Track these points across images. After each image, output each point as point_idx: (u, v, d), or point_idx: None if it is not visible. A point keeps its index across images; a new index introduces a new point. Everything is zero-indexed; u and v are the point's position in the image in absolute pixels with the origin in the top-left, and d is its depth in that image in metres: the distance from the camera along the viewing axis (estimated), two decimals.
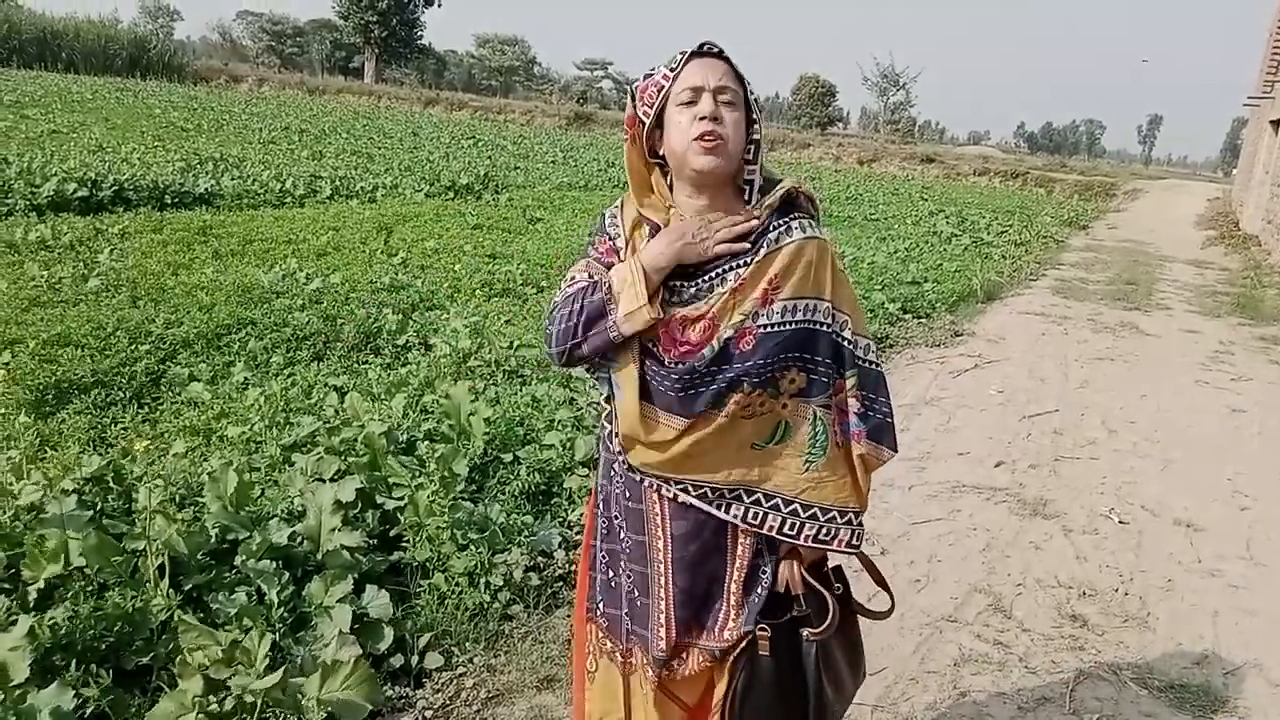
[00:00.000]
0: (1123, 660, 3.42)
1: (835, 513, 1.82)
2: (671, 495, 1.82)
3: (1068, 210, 25.46)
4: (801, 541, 1.82)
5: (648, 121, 1.78)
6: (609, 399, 1.84)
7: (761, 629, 1.85)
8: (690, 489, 1.80)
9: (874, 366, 1.84)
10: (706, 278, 1.75)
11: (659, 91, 1.75)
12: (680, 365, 1.73)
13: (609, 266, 1.81)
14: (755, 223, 1.76)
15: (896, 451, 1.88)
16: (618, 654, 2.00)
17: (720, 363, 1.72)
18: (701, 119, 1.70)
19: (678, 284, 1.76)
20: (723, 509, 1.81)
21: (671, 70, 1.75)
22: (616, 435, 1.82)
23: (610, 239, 1.86)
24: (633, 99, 1.81)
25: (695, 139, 1.71)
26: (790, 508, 1.80)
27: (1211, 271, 15.15)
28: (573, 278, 1.83)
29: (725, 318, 1.73)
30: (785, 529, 1.81)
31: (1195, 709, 3.15)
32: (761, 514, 1.81)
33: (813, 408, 1.80)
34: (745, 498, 1.81)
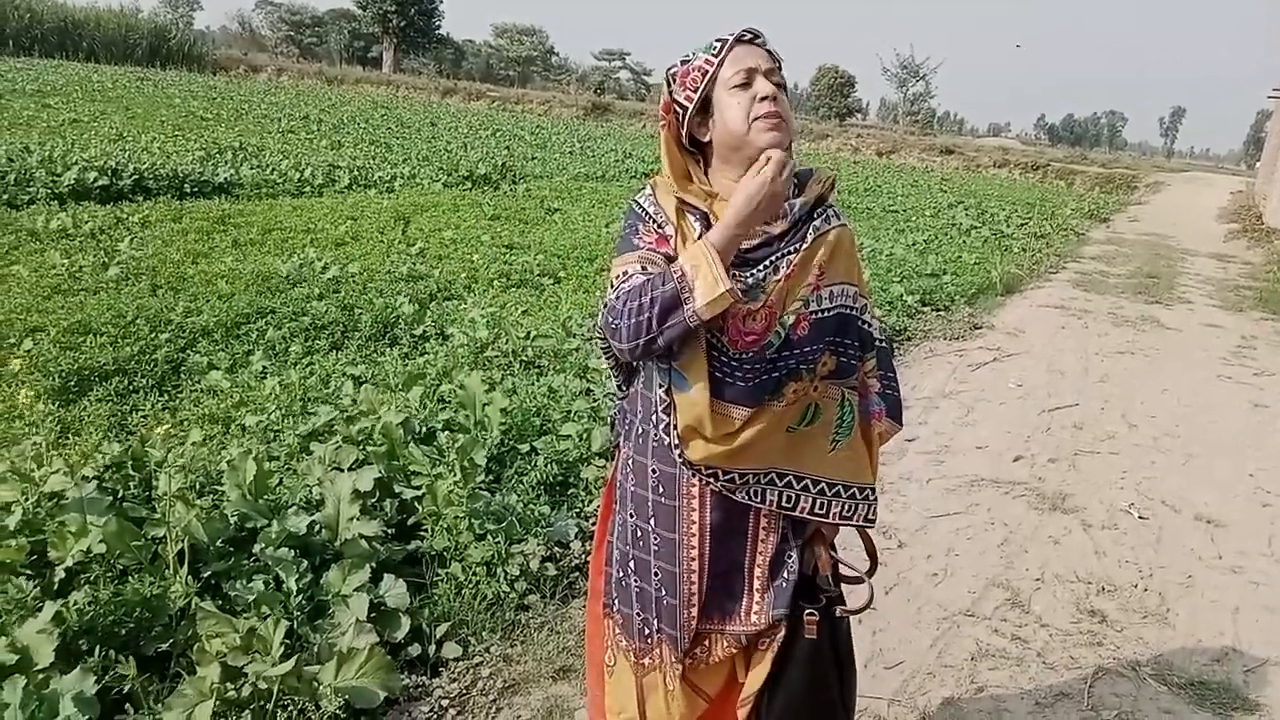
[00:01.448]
0: (1142, 657, 3.39)
1: (855, 489, 1.87)
2: (718, 489, 1.82)
3: (1088, 203, 25.28)
4: (830, 520, 1.86)
5: (690, 107, 1.76)
6: (669, 391, 1.79)
7: (810, 614, 1.87)
8: (736, 478, 1.80)
9: (884, 344, 1.93)
10: (761, 268, 1.75)
11: (703, 76, 1.73)
12: (749, 354, 1.73)
13: (666, 257, 1.77)
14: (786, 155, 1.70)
15: (902, 425, 1.98)
16: (631, 653, 2.00)
17: (781, 350, 1.75)
18: (763, 99, 1.70)
19: (734, 274, 1.72)
20: (760, 497, 1.82)
21: (714, 56, 1.73)
22: (675, 428, 1.78)
23: (658, 226, 1.81)
24: (669, 84, 1.79)
25: (759, 118, 1.70)
26: (818, 488, 1.84)
27: (1234, 265, 15.01)
28: (626, 273, 1.76)
29: (782, 305, 1.74)
30: (816, 509, 1.84)
31: (1215, 706, 3.13)
32: (794, 496, 1.83)
33: (842, 390, 1.85)
34: (778, 481, 1.82)
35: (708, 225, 1.76)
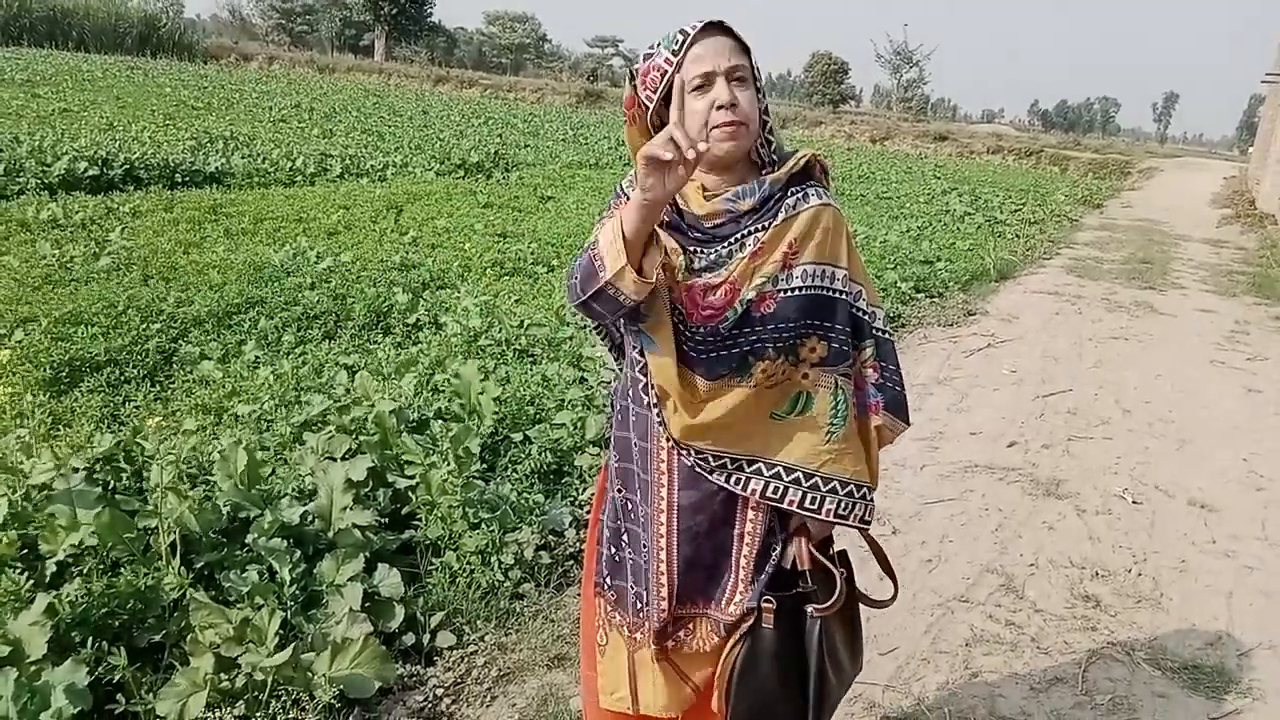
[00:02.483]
0: (1136, 641, 3.40)
1: (853, 486, 1.81)
2: (691, 464, 1.79)
3: (1082, 189, 25.28)
4: (823, 516, 1.79)
5: (651, 105, 1.74)
6: (641, 352, 1.80)
7: (767, 601, 1.84)
8: (710, 459, 1.77)
9: (887, 336, 1.87)
10: (725, 243, 1.73)
11: (662, 76, 1.70)
12: (703, 329, 1.72)
13: None
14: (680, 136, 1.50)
15: (909, 424, 1.90)
16: (625, 628, 1.99)
17: (742, 327, 1.72)
18: (720, 108, 1.66)
19: (697, 250, 1.74)
20: (742, 485, 1.79)
21: (674, 53, 1.68)
22: (652, 388, 1.78)
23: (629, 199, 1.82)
24: (632, 80, 1.77)
25: (716, 127, 1.67)
26: (811, 481, 1.78)
27: (1227, 250, 15.03)
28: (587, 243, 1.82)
29: (746, 282, 1.71)
30: (806, 503, 1.79)
31: (1209, 690, 3.14)
32: (782, 488, 1.78)
33: (834, 377, 1.78)
34: (765, 471, 1.78)
35: (676, 211, 1.77)
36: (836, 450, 1.79)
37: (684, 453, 1.78)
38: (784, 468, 1.78)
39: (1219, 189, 27.96)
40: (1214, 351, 7.88)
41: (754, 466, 1.78)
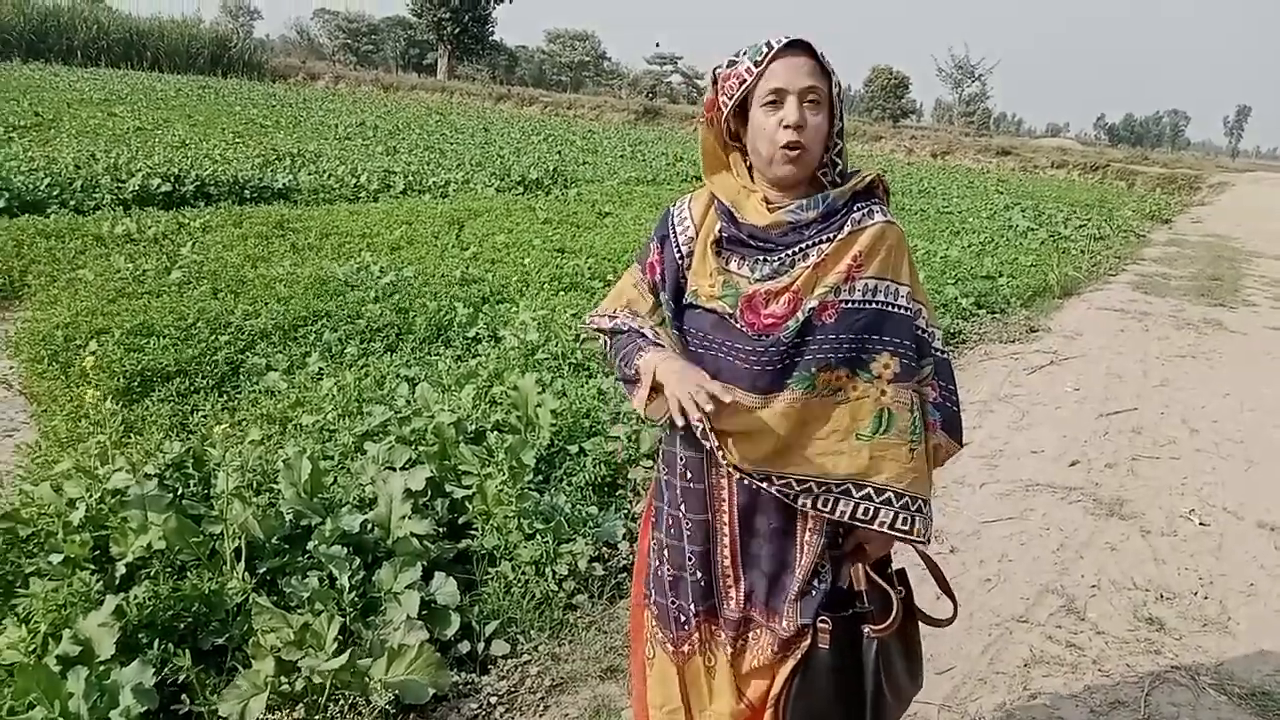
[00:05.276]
0: (1201, 665, 3.32)
1: (921, 502, 1.81)
2: (774, 493, 1.79)
3: (1149, 204, 24.70)
4: (876, 528, 1.79)
5: (726, 110, 1.77)
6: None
7: (823, 621, 1.84)
8: (795, 484, 1.78)
9: (944, 355, 1.88)
10: (788, 253, 1.76)
11: (740, 84, 1.73)
12: (765, 338, 1.74)
13: (650, 285, 1.96)
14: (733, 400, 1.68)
15: (962, 445, 1.91)
16: (669, 643, 2.00)
17: (804, 336, 1.73)
18: (786, 128, 1.70)
19: (760, 259, 1.77)
20: (830, 507, 1.79)
21: (756, 64, 1.72)
22: (712, 433, 1.78)
23: (675, 239, 1.91)
24: (715, 84, 1.80)
25: (781, 147, 1.71)
26: (902, 501, 1.78)
27: None
28: (611, 312, 2.06)
29: (808, 291, 1.74)
30: (899, 524, 1.78)
31: (1277, 718, 3.05)
32: (873, 509, 1.78)
33: (910, 393, 1.79)
34: (855, 493, 1.78)
35: (731, 220, 1.80)
36: (921, 467, 1.80)
37: (760, 483, 1.79)
38: (874, 489, 1.77)
39: None
40: None
41: (842, 488, 1.78)
